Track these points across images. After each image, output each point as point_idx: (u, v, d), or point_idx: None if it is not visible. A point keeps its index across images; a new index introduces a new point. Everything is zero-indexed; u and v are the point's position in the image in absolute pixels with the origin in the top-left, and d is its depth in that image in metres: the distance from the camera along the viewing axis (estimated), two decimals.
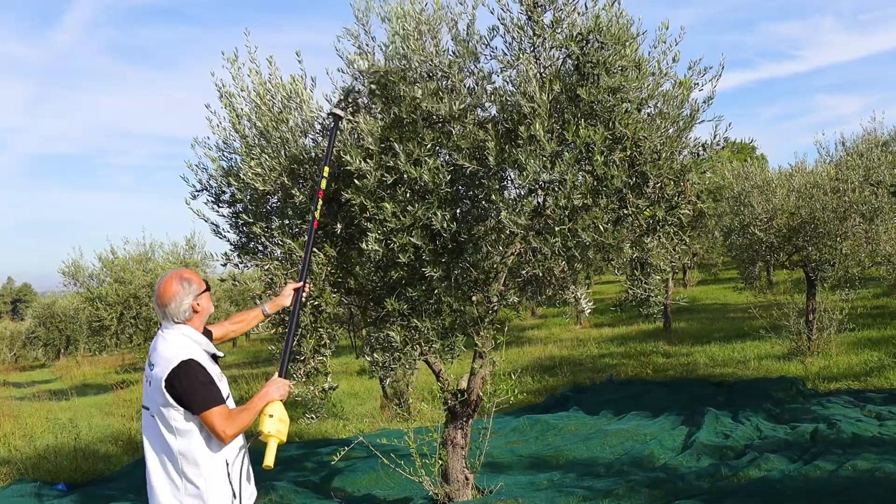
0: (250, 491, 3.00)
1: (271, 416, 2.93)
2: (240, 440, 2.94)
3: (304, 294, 3.60)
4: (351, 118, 4.36)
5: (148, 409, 2.87)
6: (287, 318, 4.02)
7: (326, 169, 3.89)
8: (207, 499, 2.80)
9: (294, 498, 5.96)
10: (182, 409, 2.76)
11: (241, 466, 2.94)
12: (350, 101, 4.48)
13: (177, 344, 2.85)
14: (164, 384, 2.75)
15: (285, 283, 4.08)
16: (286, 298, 3.53)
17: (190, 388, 2.75)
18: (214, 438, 2.81)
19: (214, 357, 3.01)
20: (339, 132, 4.24)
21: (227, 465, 2.86)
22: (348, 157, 4.11)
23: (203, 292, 2.97)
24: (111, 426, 11.09)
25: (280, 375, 3.14)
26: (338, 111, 4.14)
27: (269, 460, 2.91)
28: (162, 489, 2.81)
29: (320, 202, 3.80)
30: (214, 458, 2.83)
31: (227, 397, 2.98)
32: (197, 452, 2.80)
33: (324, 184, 3.86)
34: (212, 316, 3.12)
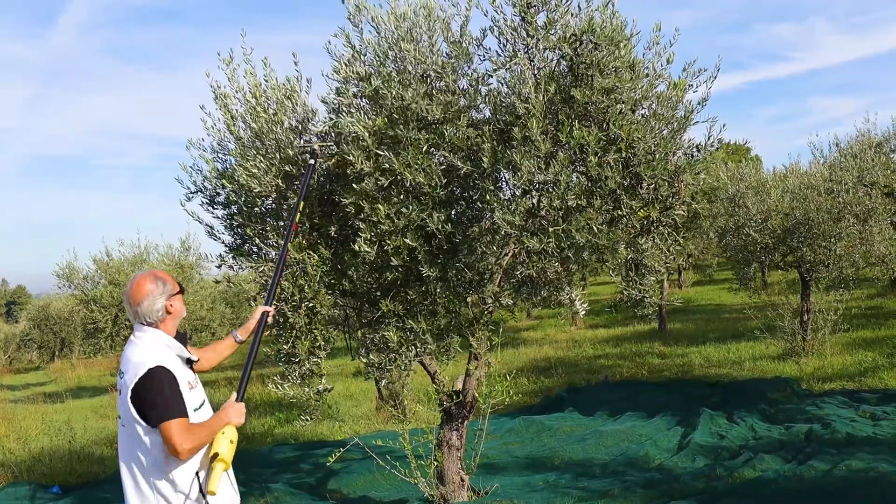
0: (231, 500, 2.90)
1: (231, 441, 2.76)
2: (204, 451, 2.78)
3: (269, 318, 3.45)
4: (322, 155, 4.34)
5: (120, 417, 2.77)
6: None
7: (302, 204, 3.89)
8: None
9: (290, 500, 5.96)
10: (143, 422, 2.64)
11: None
12: (325, 143, 4.40)
13: (146, 349, 2.74)
14: (130, 395, 2.65)
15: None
16: (255, 321, 3.37)
17: (151, 398, 2.62)
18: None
19: (189, 361, 2.91)
20: (313, 170, 4.14)
21: (199, 479, 2.74)
22: (351, 157, 4.09)
23: (176, 293, 2.89)
24: (106, 428, 11.05)
25: (238, 400, 2.96)
26: (315, 146, 4.12)
27: (214, 486, 2.69)
28: (134, 502, 2.72)
29: (293, 235, 3.78)
30: (184, 472, 2.72)
31: (202, 404, 2.87)
32: (167, 466, 2.68)
33: (298, 217, 3.85)
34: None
